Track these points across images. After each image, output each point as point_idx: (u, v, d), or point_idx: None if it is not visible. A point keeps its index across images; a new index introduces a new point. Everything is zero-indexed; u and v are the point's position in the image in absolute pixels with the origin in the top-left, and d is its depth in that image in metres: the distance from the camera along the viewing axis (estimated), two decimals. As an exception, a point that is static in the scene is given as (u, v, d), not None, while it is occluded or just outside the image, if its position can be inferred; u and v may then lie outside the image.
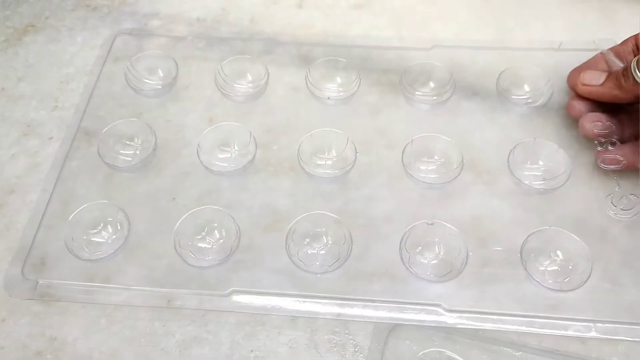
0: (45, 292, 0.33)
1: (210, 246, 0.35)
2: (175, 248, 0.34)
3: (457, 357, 0.31)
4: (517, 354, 0.31)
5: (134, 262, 0.34)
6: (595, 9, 0.47)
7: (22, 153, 0.40)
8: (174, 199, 0.36)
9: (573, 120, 0.38)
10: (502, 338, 0.32)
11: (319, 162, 0.38)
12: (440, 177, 0.37)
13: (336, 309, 0.32)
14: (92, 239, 0.35)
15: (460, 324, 0.32)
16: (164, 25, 0.47)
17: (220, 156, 0.38)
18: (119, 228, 0.35)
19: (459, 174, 0.36)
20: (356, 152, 0.38)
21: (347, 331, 0.32)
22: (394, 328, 0.32)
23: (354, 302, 0.33)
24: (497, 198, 0.36)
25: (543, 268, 0.33)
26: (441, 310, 0.32)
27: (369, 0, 0.48)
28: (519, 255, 0.34)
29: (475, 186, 0.37)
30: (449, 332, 0.31)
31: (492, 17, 0.47)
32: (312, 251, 0.34)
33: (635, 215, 0.35)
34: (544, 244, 0.34)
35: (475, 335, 0.32)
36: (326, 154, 0.38)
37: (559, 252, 0.34)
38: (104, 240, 0.35)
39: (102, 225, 0.35)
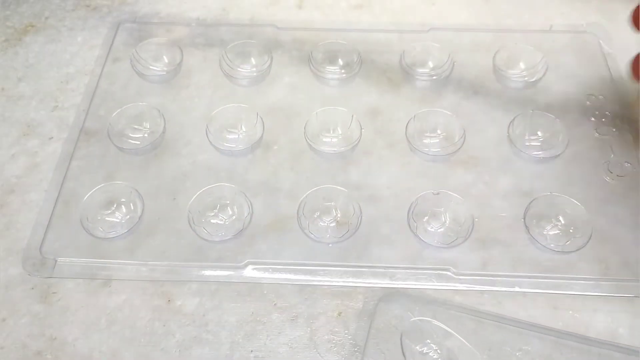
0: (64, 270, 0.34)
1: (223, 222, 0.36)
2: (189, 224, 0.35)
3: (443, 325, 0.31)
4: (504, 325, 0.31)
5: (149, 240, 0.35)
6: (595, 9, 0.47)
7: (22, 153, 0.40)
8: (184, 181, 0.38)
9: (568, 95, 0.42)
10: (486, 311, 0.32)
11: (325, 140, 0.39)
12: (444, 150, 0.39)
13: (349, 278, 0.34)
14: (106, 218, 0.36)
15: (469, 286, 0.33)
16: (164, 25, 0.47)
17: (229, 137, 0.39)
18: (132, 208, 0.36)
19: (461, 146, 0.38)
20: (361, 129, 0.39)
21: (346, 331, 0.32)
22: (380, 300, 0.32)
23: (366, 270, 0.34)
24: (500, 169, 0.38)
25: (545, 232, 0.35)
26: (450, 274, 0.33)
27: (369, 1, 0.49)
28: (522, 220, 0.35)
29: (478, 158, 0.38)
30: (436, 305, 0.32)
31: (492, 18, 0.47)
32: (322, 224, 0.36)
33: (629, 181, 0.37)
34: (545, 210, 0.36)
35: (460, 307, 0.32)
36: (332, 132, 0.40)
37: (560, 217, 0.35)
38: (118, 220, 0.36)
39: (115, 205, 0.36)
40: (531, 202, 0.36)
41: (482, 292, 0.33)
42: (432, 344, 0.30)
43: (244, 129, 0.40)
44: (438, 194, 0.36)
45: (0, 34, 0.47)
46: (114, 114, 0.40)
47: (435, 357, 0.30)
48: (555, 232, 0.35)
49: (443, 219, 0.36)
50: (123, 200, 0.36)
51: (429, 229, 0.35)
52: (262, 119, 0.40)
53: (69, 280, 0.34)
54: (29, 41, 0.47)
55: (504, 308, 0.33)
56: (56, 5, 0.49)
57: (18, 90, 0.43)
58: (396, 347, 0.31)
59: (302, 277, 0.34)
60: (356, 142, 0.38)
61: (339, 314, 0.33)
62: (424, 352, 0.30)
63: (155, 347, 0.32)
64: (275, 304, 0.33)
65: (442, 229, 0.35)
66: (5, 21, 0.48)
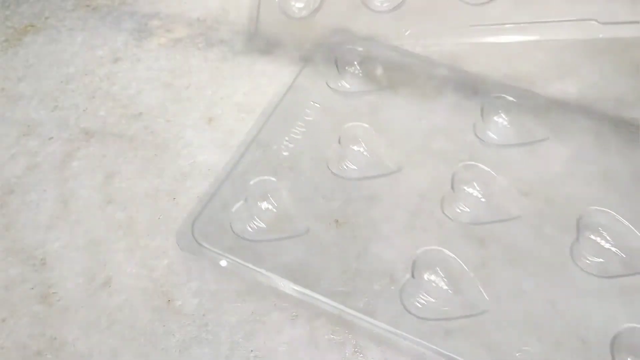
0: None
1: None
2: None
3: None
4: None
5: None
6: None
7: (22, 153, 0.40)
8: None
9: None
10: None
11: None
12: None
13: None
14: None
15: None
16: (164, 25, 0.47)
17: None
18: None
19: None
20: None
21: (347, 331, 0.32)
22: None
23: None
24: None
25: None
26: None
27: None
28: None
29: None
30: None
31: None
32: None
33: None
34: None
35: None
36: None
37: None
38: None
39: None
40: None
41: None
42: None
43: None
44: None
45: (0, 34, 0.47)
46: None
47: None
48: None
49: None
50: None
51: None
52: None
53: (68, 280, 0.34)
54: (29, 41, 0.47)
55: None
56: (56, 5, 0.49)
57: (18, 90, 0.43)
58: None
59: None
60: None
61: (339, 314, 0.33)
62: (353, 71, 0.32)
63: (155, 347, 0.32)
64: (275, 304, 0.33)
65: None
66: (5, 21, 0.48)
